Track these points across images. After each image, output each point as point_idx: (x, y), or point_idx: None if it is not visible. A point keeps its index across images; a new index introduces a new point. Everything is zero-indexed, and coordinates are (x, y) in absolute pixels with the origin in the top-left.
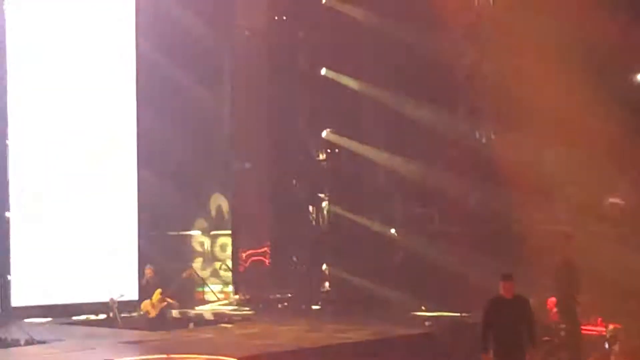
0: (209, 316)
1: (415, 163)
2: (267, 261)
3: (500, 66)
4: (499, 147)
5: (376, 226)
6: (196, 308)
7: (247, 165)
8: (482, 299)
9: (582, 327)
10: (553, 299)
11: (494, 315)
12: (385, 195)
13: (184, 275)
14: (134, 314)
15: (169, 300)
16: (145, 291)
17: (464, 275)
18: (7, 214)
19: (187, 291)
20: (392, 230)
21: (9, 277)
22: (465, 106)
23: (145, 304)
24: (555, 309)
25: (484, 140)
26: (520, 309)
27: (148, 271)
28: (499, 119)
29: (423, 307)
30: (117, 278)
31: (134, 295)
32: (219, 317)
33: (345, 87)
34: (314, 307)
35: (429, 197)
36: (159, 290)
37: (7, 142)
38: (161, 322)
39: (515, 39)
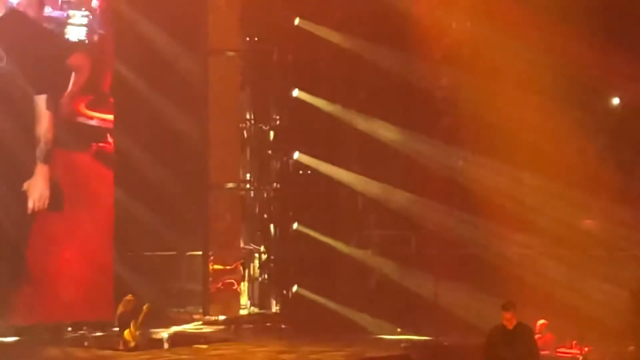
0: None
1: (390, 186)
2: (237, 282)
3: (477, 91)
4: (475, 172)
5: (351, 249)
6: (171, 328)
7: (228, 185)
8: (455, 323)
9: (558, 351)
10: (543, 322)
11: (496, 347)
12: (360, 217)
13: (144, 308)
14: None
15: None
16: (123, 318)
17: (438, 299)
18: None
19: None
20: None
21: None
22: (441, 131)
23: (127, 334)
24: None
25: (460, 165)
26: (522, 339)
27: (129, 300)
28: (476, 144)
29: (399, 329)
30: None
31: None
32: (194, 338)
33: (318, 109)
34: (283, 327)
35: (405, 220)
36: (133, 321)
37: None
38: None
39: (493, 64)
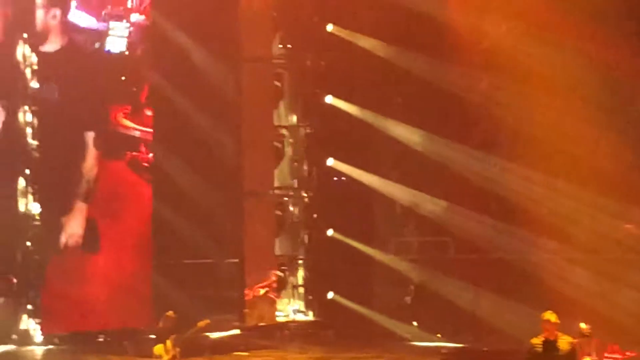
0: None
1: (424, 193)
2: (273, 289)
3: (512, 97)
4: (510, 179)
5: (386, 256)
6: (211, 335)
7: (263, 192)
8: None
9: (605, 355)
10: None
11: (537, 358)
12: (396, 224)
13: (200, 324)
14: None
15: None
16: (160, 334)
17: (476, 305)
18: None
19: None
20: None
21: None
22: (476, 138)
23: (159, 348)
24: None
25: (495, 172)
26: (563, 350)
27: (169, 316)
28: (511, 151)
29: (439, 335)
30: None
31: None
32: (233, 345)
33: (351, 116)
34: (321, 333)
35: (440, 227)
36: (173, 337)
37: None
38: None
39: (528, 69)
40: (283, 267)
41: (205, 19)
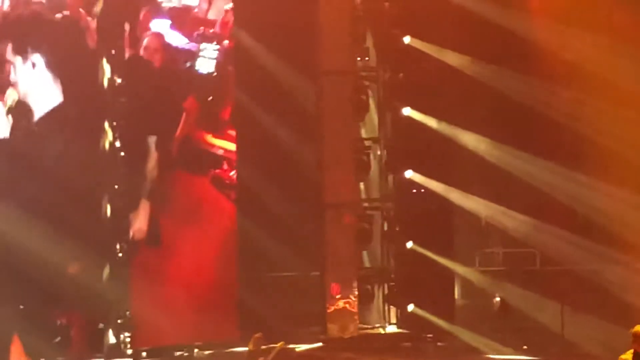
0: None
1: (505, 207)
2: (355, 301)
3: (597, 112)
4: (593, 196)
5: (465, 269)
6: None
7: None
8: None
9: None
10: None
11: None
12: (481, 236)
13: (278, 346)
14: None
15: None
16: (251, 356)
17: (561, 320)
18: None
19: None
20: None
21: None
22: (561, 152)
23: None
24: None
25: (578, 189)
26: None
27: (258, 337)
28: (594, 167)
29: (525, 347)
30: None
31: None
32: (319, 358)
33: (430, 128)
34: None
35: (528, 238)
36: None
37: None
38: None
39: (614, 83)
40: (366, 280)
41: (285, 35)
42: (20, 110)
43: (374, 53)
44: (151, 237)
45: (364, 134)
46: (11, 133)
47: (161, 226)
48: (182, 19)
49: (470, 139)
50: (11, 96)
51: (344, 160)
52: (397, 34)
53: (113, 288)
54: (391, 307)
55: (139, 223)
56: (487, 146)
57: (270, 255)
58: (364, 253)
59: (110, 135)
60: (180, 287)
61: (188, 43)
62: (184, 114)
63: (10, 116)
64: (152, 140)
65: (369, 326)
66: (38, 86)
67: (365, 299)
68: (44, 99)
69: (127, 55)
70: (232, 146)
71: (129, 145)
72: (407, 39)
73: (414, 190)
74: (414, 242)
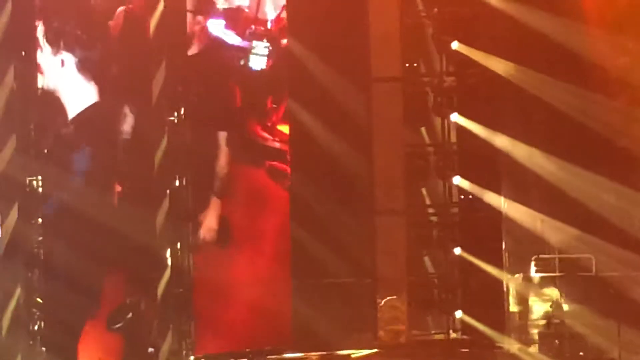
0: None
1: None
2: (405, 308)
3: None
4: None
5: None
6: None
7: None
8: None
9: None
10: None
11: None
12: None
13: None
14: None
15: None
16: None
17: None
18: None
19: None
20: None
21: None
22: (607, 166)
23: None
24: None
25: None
26: None
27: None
28: None
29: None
30: None
31: None
32: None
33: (477, 135)
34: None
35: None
36: None
37: None
38: None
39: None
40: (419, 286)
41: (335, 40)
42: (47, 101)
43: (424, 59)
44: (221, 236)
45: (416, 140)
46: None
47: (230, 225)
48: (235, 18)
49: (517, 149)
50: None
51: (393, 167)
52: (447, 39)
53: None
54: (447, 314)
55: (209, 222)
56: (533, 155)
57: (322, 262)
58: (415, 259)
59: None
60: (239, 289)
61: (242, 41)
62: (239, 109)
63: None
64: (222, 135)
65: (425, 332)
66: (68, 82)
67: (418, 305)
68: (76, 96)
69: (188, 53)
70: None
71: (197, 142)
72: (454, 45)
73: (462, 197)
74: (463, 249)
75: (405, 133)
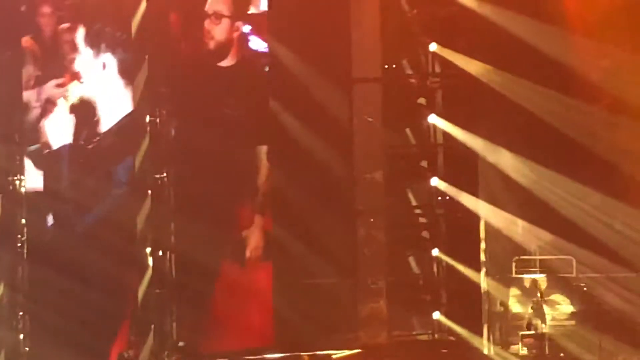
0: None
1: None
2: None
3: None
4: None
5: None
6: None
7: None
8: None
9: None
10: None
11: None
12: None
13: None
14: None
15: None
16: None
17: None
18: None
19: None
20: None
21: None
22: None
23: None
24: None
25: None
26: None
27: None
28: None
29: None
30: None
31: None
32: None
33: (453, 137)
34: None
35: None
36: None
37: None
38: None
39: None
40: (401, 287)
41: (317, 42)
42: (84, 111)
43: (403, 60)
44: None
45: (396, 141)
46: (75, 138)
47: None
48: (261, 24)
49: (494, 152)
50: (75, 92)
51: (373, 167)
52: (426, 41)
53: None
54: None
55: (256, 241)
56: (510, 160)
57: (303, 262)
58: (394, 259)
59: None
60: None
61: (266, 47)
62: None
63: (73, 116)
64: (262, 150)
65: (406, 333)
66: (107, 89)
67: (399, 306)
68: (114, 105)
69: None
70: None
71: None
72: (433, 46)
73: (439, 198)
74: (442, 250)
75: (387, 134)
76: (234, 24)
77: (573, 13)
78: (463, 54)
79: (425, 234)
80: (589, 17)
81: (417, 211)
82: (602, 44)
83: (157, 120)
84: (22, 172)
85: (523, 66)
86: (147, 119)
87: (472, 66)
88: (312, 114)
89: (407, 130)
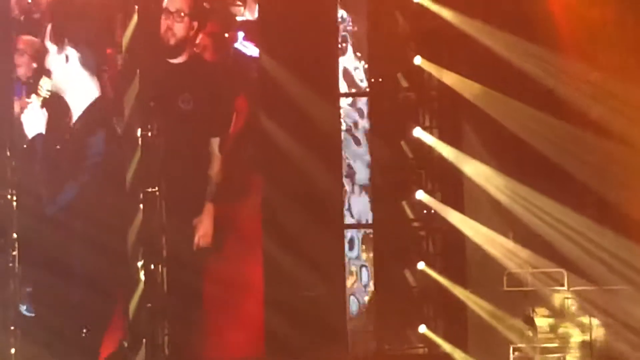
0: None
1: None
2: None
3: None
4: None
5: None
6: None
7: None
8: None
9: None
10: None
11: None
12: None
13: None
14: None
15: None
16: None
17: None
18: None
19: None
20: None
21: None
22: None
23: None
24: None
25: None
26: None
27: None
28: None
29: None
30: None
31: None
32: None
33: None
34: None
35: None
36: None
37: None
38: None
39: None
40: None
41: (305, 56)
42: (55, 103)
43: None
44: (216, 240)
45: (384, 154)
46: (47, 129)
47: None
48: (253, 30)
49: (475, 168)
50: (45, 86)
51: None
52: (409, 53)
53: None
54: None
55: (204, 228)
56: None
57: (294, 275)
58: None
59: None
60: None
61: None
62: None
63: (44, 109)
64: (215, 142)
65: (397, 347)
66: (73, 80)
67: (388, 320)
68: (80, 94)
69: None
70: None
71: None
72: (417, 60)
73: (425, 211)
74: (428, 264)
75: (375, 147)
76: (192, 22)
77: (562, 28)
78: (447, 69)
79: (413, 247)
80: (578, 32)
81: (404, 224)
82: (591, 59)
83: (149, 134)
84: (13, 187)
85: (511, 85)
86: (139, 132)
87: (455, 82)
88: (301, 127)
89: (400, 143)
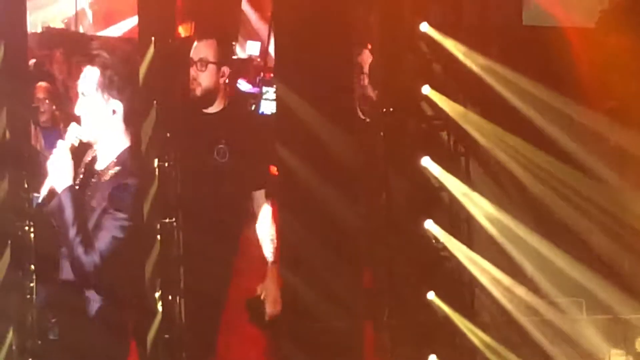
0: None
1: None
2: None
3: None
4: None
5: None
6: None
7: None
8: None
9: None
10: None
11: None
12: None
13: None
14: None
15: None
16: None
17: None
18: None
19: None
20: None
21: None
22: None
23: None
24: None
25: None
26: None
27: None
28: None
29: None
30: None
31: None
32: None
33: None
34: None
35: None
36: None
37: None
38: None
39: None
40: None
41: (321, 82)
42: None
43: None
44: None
45: (398, 183)
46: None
47: None
48: (247, 67)
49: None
50: (73, 132)
51: (376, 210)
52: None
53: None
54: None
55: (272, 295)
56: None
57: (312, 306)
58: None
59: None
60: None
61: (252, 88)
62: None
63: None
64: (260, 194)
65: None
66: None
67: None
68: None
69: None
70: None
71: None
72: (425, 89)
73: (434, 241)
74: (437, 294)
75: (389, 176)
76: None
77: (580, 56)
78: (454, 100)
79: (423, 277)
80: (595, 59)
81: (415, 253)
82: (608, 86)
83: (166, 164)
84: (30, 218)
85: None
86: (156, 163)
87: (462, 115)
88: (319, 156)
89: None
